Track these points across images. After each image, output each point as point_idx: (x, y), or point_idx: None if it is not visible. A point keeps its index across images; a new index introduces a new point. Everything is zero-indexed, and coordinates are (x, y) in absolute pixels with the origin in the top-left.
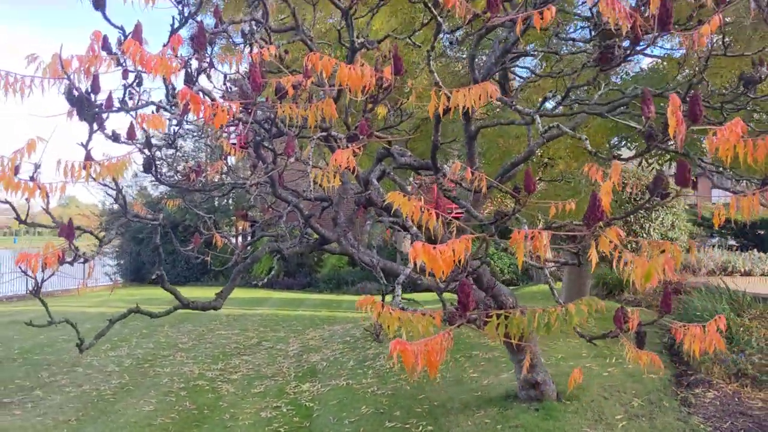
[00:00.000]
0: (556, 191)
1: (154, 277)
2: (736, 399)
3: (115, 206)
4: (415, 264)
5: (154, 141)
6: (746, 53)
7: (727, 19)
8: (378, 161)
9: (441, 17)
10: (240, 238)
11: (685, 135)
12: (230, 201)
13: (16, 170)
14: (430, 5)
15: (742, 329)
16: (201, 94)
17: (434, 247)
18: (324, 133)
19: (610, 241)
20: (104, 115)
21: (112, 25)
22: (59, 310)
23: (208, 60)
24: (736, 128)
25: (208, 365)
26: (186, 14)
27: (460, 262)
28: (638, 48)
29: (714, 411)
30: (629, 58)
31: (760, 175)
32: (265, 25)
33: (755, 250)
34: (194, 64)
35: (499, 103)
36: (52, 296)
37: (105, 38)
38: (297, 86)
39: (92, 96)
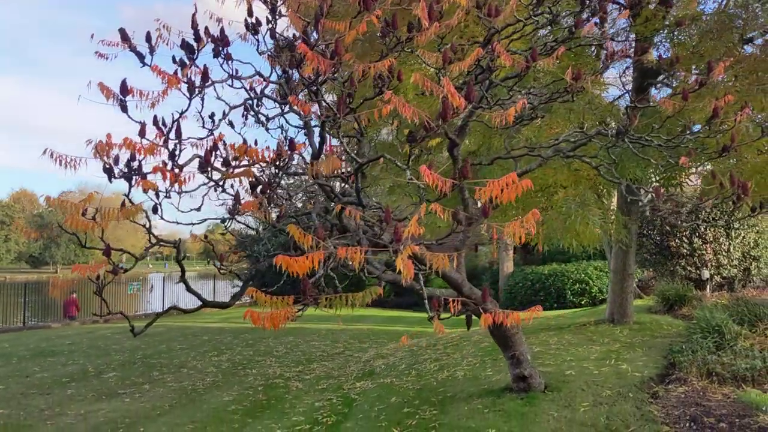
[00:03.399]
0: (553, 215)
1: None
2: (702, 393)
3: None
4: (279, 267)
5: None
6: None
7: None
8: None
9: None
10: None
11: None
12: None
13: (83, 213)
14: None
15: (737, 336)
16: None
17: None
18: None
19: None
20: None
21: (133, 120)
22: (182, 324)
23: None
24: (508, 180)
25: (289, 368)
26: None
27: (314, 268)
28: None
29: (674, 401)
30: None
31: None
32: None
33: None
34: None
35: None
36: (183, 315)
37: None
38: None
39: (131, 163)
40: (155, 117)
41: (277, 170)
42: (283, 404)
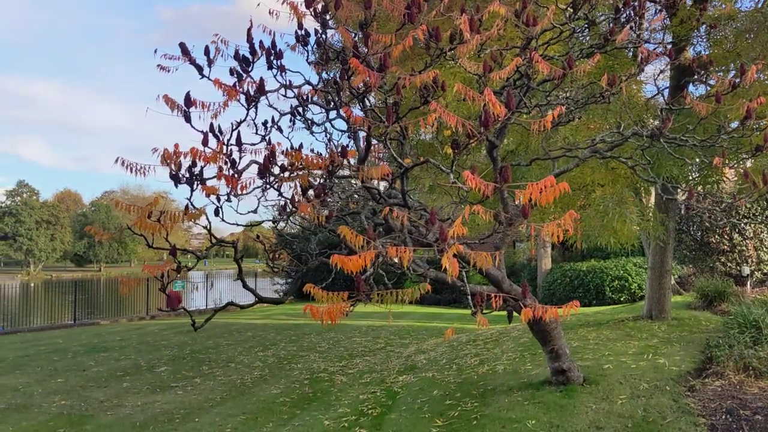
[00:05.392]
0: (591, 213)
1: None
2: (738, 387)
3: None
4: (336, 266)
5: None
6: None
7: None
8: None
9: None
10: None
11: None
12: None
13: (148, 216)
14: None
15: None
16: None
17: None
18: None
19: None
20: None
21: (196, 129)
22: (226, 321)
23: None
24: (547, 183)
25: (333, 363)
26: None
27: (366, 266)
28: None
29: (711, 395)
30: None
31: None
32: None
33: None
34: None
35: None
36: (226, 311)
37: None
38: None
39: (193, 169)
40: (211, 125)
41: (329, 175)
42: (329, 397)
